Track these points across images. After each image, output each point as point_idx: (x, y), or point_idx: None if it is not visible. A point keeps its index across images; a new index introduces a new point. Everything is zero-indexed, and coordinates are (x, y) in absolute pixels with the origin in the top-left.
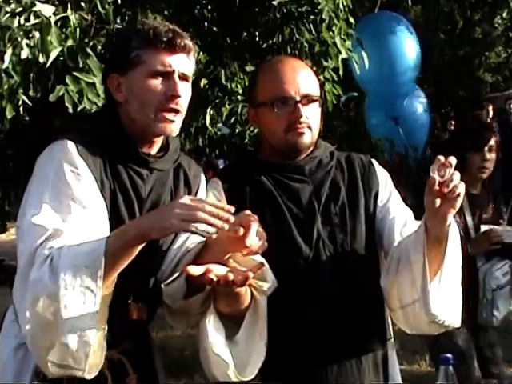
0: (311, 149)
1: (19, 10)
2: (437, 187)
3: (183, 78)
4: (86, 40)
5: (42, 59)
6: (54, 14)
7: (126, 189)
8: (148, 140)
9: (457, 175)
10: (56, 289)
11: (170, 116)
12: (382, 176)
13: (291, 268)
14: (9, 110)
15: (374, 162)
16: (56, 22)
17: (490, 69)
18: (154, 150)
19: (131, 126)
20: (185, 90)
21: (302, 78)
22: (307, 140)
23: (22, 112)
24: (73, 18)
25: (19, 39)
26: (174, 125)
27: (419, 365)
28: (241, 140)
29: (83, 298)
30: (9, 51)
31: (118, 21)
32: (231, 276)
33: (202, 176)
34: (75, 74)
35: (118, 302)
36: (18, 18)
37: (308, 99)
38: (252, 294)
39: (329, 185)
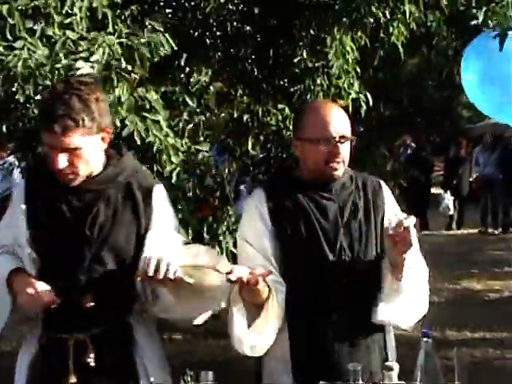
0: None
1: None
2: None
3: (67, 151)
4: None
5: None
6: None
7: (62, 209)
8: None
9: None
10: None
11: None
12: (389, 196)
13: (318, 270)
14: None
15: (383, 183)
16: None
17: (465, 106)
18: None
19: None
20: (63, 160)
21: (340, 121)
22: (340, 173)
23: None
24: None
25: None
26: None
27: None
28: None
29: None
30: None
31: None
32: (246, 279)
33: (156, 193)
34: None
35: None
36: None
37: (344, 139)
38: (270, 289)
39: (351, 204)
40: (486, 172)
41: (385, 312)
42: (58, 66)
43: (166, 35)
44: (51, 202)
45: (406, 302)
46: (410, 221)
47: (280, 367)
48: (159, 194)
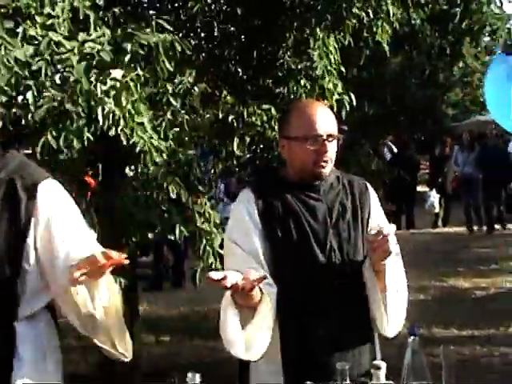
0: None
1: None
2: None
3: None
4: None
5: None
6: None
7: None
8: None
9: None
10: None
11: None
12: (374, 199)
13: (308, 270)
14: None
15: (369, 185)
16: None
17: (450, 105)
18: None
19: None
20: None
21: (327, 120)
22: (328, 170)
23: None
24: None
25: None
26: None
27: None
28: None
29: None
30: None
31: None
32: (240, 285)
33: (41, 189)
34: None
35: None
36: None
37: (331, 137)
38: (262, 291)
39: (338, 204)
40: (465, 171)
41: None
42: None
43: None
44: None
45: (391, 313)
46: (390, 229)
47: (270, 367)
48: (48, 189)
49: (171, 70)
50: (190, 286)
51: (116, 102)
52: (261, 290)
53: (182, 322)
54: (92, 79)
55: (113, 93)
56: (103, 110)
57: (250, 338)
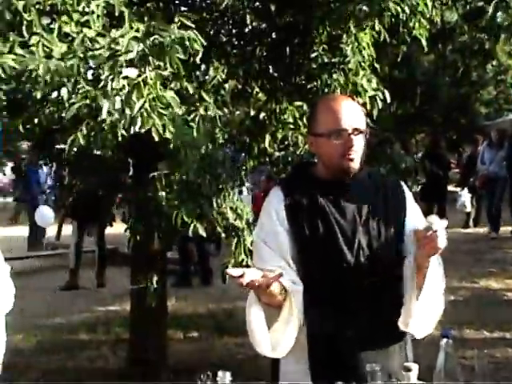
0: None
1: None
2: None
3: None
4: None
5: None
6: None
7: None
8: None
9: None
10: None
11: None
12: (409, 197)
13: (336, 269)
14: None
15: (402, 183)
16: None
17: (483, 103)
18: None
19: None
20: None
21: (352, 114)
22: (356, 165)
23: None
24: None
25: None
26: None
27: None
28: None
29: None
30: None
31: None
32: (257, 282)
33: None
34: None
35: None
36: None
37: (357, 131)
38: (287, 290)
39: (369, 202)
40: (491, 169)
41: (402, 321)
42: (75, 62)
43: (195, 32)
44: None
45: (423, 312)
46: (440, 224)
47: (298, 367)
48: None
49: (185, 66)
50: (218, 283)
51: (127, 102)
52: (286, 289)
53: (210, 318)
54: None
55: (124, 91)
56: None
57: (276, 336)
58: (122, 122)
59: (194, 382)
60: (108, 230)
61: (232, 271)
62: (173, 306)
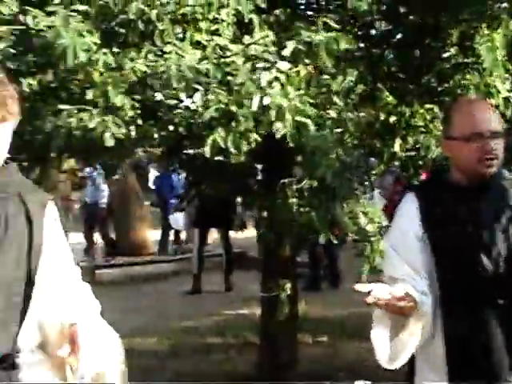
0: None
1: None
2: None
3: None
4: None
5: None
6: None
7: None
8: None
9: None
10: None
11: None
12: None
13: (473, 277)
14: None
15: None
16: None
17: None
18: None
19: None
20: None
21: (490, 117)
22: (494, 170)
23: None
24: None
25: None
26: None
27: None
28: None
29: None
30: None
31: None
32: (384, 302)
33: (49, 208)
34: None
35: None
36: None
37: (495, 135)
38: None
39: (508, 209)
40: None
41: None
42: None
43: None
44: None
45: None
46: None
47: (434, 376)
48: (53, 210)
49: (332, 66)
50: (347, 287)
51: (280, 95)
52: (414, 299)
53: (340, 322)
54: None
55: (276, 85)
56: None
57: (396, 351)
58: (264, 122)
59: None
60: (235, 234)
61: (360, 287)
62: (302, 310)
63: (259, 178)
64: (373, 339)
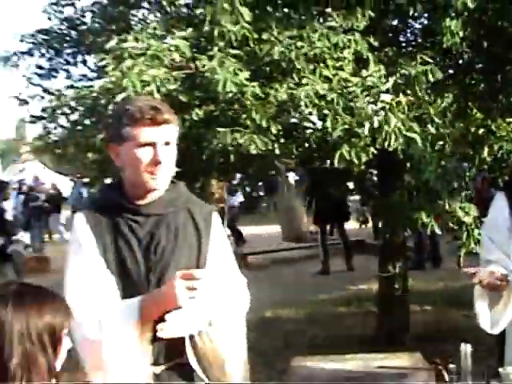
0: None
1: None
2: None
3: (166, 143)
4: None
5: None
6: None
7: (126, 235)
8: (142, 195)
9: None
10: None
11: (154, 177)
12: None
13: None
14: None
15: None
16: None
17: None
18: (146, 201)
19: (129, 184)
20: (168, 153)
21: None
22: None
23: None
24: (403, 102)
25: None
26: (159, 181)
27: None
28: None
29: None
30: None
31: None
32: (486, 282)
33: (214, 218)
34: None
35: None
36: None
37: None
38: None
39: None
40: None
41: None
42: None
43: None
44: (116, 227)
45: None
46: None
47: None
48: (217, 220)
49: (427, 95)
50: (446, 266)
51: (385, 121)
52: (507, 280)
53: (441, 295)
54: (366, 101)
55: (382, 112)
56: (372, 125)
57: (496, 316)
58: (379, 139)
59: (433, 347)
60: (355, 226)
61: (469, 269)
62: (410, 285)
63: (375, 180)
64: (476, 310)
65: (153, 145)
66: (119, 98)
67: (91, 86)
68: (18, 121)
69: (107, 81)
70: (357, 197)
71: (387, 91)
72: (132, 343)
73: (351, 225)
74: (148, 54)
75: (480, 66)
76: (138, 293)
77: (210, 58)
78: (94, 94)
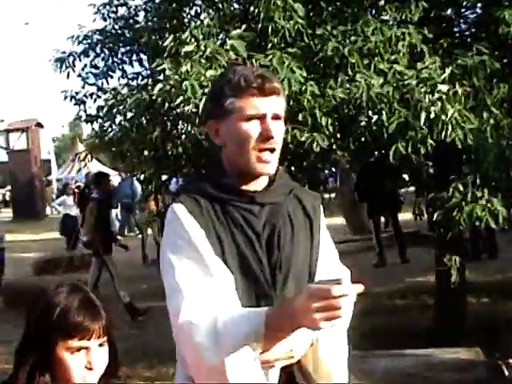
0: None
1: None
2: None
3: (275, 117)
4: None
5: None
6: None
7: (242, 227)
8: (251, 178)
9: None
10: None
11: (266, 156)
12: None
13: None
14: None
15: None
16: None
17: None
18: (259, 187)
19: (232, 168)
20: (278, 129)
21: None
22: None
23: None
24: (459, 92)
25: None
26: (271, 165)
27: None
28: None
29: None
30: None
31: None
32: None
33: (321, 206)
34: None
35: None
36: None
37: None
38: None
39: None
40: None
41: None
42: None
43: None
44: (228, 218)
45: None
46: None
47: None
48: (321, 208)
49: (484, 85)
50: (503, 257)
51: (442, 111)
52: None
53: (499, 286)
54: (422, 93)
55: (439, 103)
56: (428, 116)
57: None
58: (435, 131)
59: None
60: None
61: None
62: (467, 277)
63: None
64: None
65: (262, 117)
66: (178, 101)
67: (147, 85)
68: (72, 119)
69: (165, 84)
70: (412, 188)
71: (443, 82)
72: (256, 368)
73: (407, 216)
74: (205, 56)
75: None
76: (263, 294)
77: (266, 56)
78: (154, 98)
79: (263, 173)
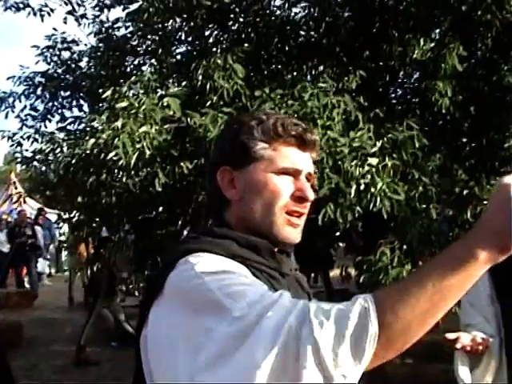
0: None
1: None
2: None
3: (309, 179)
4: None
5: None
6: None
7: None
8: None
9: None
10: None
11: (295, 220)
12: None
13: None
14: None
15: None
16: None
17: None
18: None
19: (245, 230)
20: (312, 193)
21: None
22: None
23: None
24: (389, 165)
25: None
26: (298, 231)
27: None
28: None
29: None
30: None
31: None
32: (468, 347)
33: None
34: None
35: None
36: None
37: None
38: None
39: None
40: None
41: None
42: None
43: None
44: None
45: None
46: None
47: None
48: None
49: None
50: None
51: (372, 183)
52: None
53: (422, 349)
54: (353, 164)
55: (369, 176)
56: (358, 187)
57: (478, 379)
58: (364, 201)
59: None
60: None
61: (449, 335)
62: None
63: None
64: (458, 374)
65: (295, 174)
66: (111, 155)
67: (85, 133)
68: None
69: (99, 137)
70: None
71: (374, 154)
72: None
73: (336, 271)
74: (140, 112)
75: (466, 127)
76: None
77: (202, 114)
78: (88, 152)
79: (289, 239)
